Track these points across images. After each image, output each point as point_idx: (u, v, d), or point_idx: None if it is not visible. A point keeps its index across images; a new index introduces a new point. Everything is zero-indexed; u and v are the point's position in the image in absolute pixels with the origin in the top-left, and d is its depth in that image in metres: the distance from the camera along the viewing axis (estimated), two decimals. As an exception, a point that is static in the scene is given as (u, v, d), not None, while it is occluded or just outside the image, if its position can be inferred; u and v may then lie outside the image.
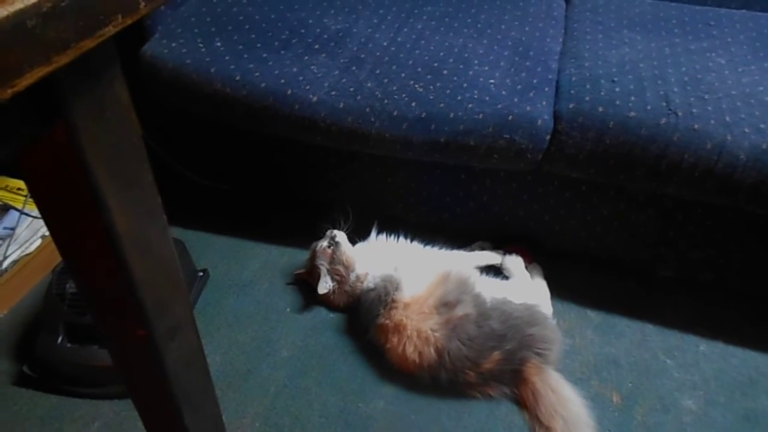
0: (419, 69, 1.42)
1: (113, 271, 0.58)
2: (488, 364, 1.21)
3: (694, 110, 1.23)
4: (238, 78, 1.38)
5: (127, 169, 0.54)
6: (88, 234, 0.56)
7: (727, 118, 1.21)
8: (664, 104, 1.24)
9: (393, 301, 1.30)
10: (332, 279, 1.42)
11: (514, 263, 1.47)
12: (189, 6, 1.57)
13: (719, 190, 1.22)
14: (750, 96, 1.27)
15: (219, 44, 1.45)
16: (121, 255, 0.56)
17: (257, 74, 1.38)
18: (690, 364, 1.33)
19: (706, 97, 1.26)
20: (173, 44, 1.43)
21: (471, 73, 1.40)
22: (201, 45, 1.44)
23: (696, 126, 1.20)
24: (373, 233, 1.52)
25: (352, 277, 1.42)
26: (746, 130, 1.18)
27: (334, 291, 1.42)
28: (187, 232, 1.63)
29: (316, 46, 1.48)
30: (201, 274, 1.48)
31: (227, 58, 1.41)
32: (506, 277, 1.46)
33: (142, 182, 0.57)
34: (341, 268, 1.41)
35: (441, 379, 1.23)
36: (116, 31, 0.35)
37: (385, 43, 1.51)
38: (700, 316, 1.43)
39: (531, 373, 1.21)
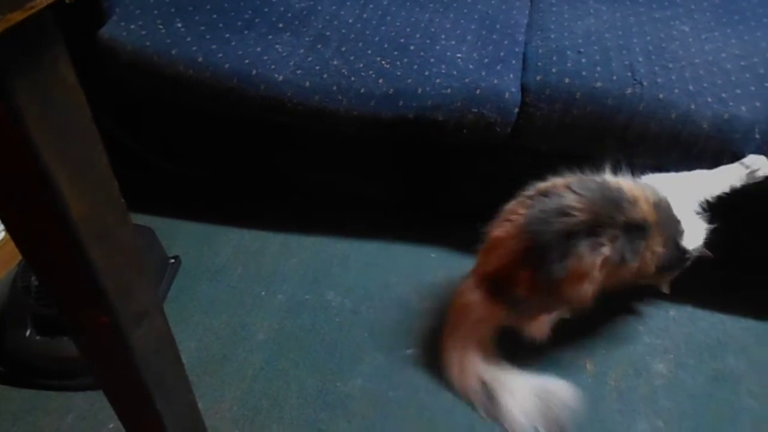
0: (386, 45, 1.41)
1: (71, 258, 0.57)
2: None
3: (659, 80, 1.24)
4: (200, 59, 1.34)
5: (79, 153, 0.52)
6: (42, 221, 0.54)
7: (691, 87, 1.22)
8: (630, 74, 1.25)
9: None
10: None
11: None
12: (147, -14, 1.52)
13: (684, 159, 1.24)
14: (712, 64, 1.28)
15: (180, 25, 1.41)
16: (78, 241, 0.55)
17: (220, 55, 1.35)
18: (660, 329, 1.36)
19: (670, 66, 1.27)
20: (132, 26, 1.39)
21: (438, 47, 1.39)
22: (161, 26, 1.40)
23: (661, 95, 1.21)
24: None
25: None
26: (709, 99, 1.20)
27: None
28: (156, 219, 1.60)
29: (280, 25, 1.46)
30: (172, 261, 1.46)
31: (189, 39, 1.38)
32: None
33: (96, 166, 0.56)
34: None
35: None
36: (48, 3, 0.34)
37: (350, 20, 1.49)
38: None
39: None
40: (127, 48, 1.36)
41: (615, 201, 1.06)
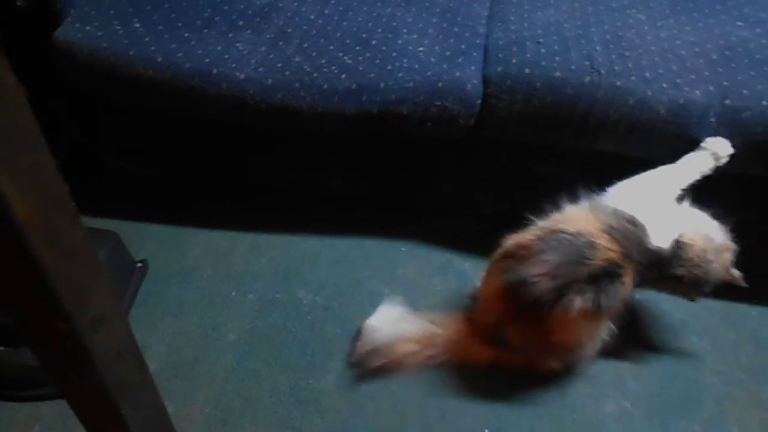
0: (348, 41, 1.41)
1: (19, 265, 0.56)
2: None
3: (616, 67, 1.26)
4: (160, 60, 1.33)
5: (22, 156, 0.51)
6: (-14, 227, 0.53)
7: (647, 74, 1.24)
8: (588, 63, 1.27)
9: None
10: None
11: None
12: (103, -13, 1.49)
13: (643, 145, 1.27)
14: (668, 51, 1.31)
15: (138, 25, 1.39)
16: (25, 247, 0.54)
17: (180, 55, 1.34)
18: (627, 313, 1.38)
19: (627, 54, 1.30)
20: (87, 27, 1.36)
21: (400, 42, 1.40)
22: (118, 27, 1.38)
23: (618, 83, 1.23)
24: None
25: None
26: (664, 85, 1.22)
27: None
28: (123, 224, 1.57)
29: (241, 23, 1.44)
30: (139, 265, 1.44)
31: (147, 39, 1.36)
32: None
33: (42, 169, 0.54)
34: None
35: None
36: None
37: (312, 17, 1.48)
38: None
39: None
40: (84, 50, 1.33)
41: (576, 254, 1.08)
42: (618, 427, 1.17)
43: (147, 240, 1.55)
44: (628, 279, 1.09)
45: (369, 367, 1.24)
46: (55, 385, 1.20)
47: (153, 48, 1.34)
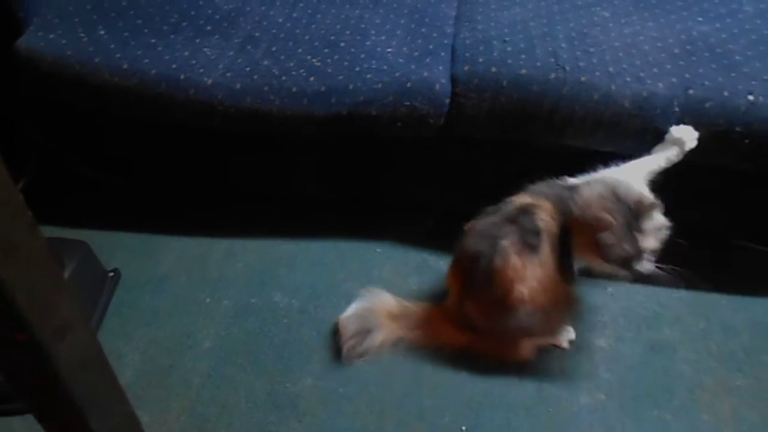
0: (316, 43, 1.41)
1: (-25, 276, 0.55)
2: None
3: (581, 63, 1.28)
4: (125, 66, 1.31)
5: (-28, 166, 0.51)
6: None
7: (611, 69, 1.26)
8: (553, 60, 1.28)
9: None
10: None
11: None
12: (66, -6, 1.48)
13: (610, 139, 1.28)
14: (631, 46, 1.33)
15: (102, 32, 1.38)
16: (-21, 257, 0.53)
17: (146, 61, 1.33)
18: (599, 306, 1.40)
19: (592, 50, 1.31)
20: (51, 35, 1.34)
21: (368, 43, 1.40)
22: (82, 34, 1.36)
23: (583, 78, 1.25)
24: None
25: None
26: (628, 79, 1.24)
27: None
28: (94, 233, 1.55)
29: (208, 28, 1.44)
30: (111, 274, 1.43)
31: (112, 46, 1.35)
32: None
33: (-5, 179, 0.54)
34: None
35: None
36: None
37: (280, 20, 1.48)
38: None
39: None
40: (47, 58, 1.31)
41: (497, 212, 1.20)
42: (593, 419, 1.19)
43: (119, 249, 1.53)
44: (544, 215, 1.14)
45: (360, 354, 1.27)
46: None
47: (118, 55, 1.33)
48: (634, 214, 1.08)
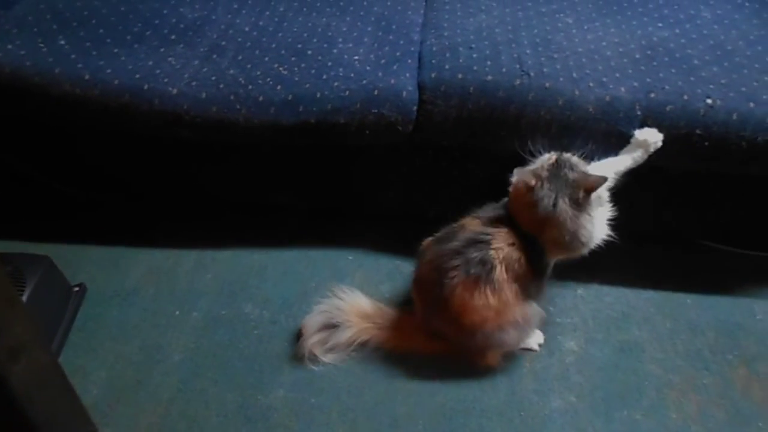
0: (283, 51, 1.40)
1: None
2: None
3: (545, 69, 1.29)
4: (87, 77, 1.29)
5: None
6: None
7: (575, 75, 1.28)
8: (518, 66, 1.30)
9: None
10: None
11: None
12: (24, 4, 1.45)
13: (576, 144, 1.30)
14: (594, 52, 1.35)
15: (63, 42, 1.36)
16: None
17: (109, 71, 1.31)
18: (569, 308, 1.41)
19: (556, 56, 1.33)
20: (9, 46, 1.32)
21: (335, 51, 1.40)
22: (42, 45, 1.34)
23: (547, 84, 1.26)
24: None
25: None
26: (591, 84, 1.26)
27: None
28: (58, 247, 1.52)
29: (173, 37, 1.42)
30: (76, 289, 1.40)
31: (73, 56, 1.32)
32: None
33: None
34: None
35: None
36: None
37: (246, 29, 1.47)
38: (576, 262, 1.52)
39: None
40: (5, 69, 1.28)
41: (447, 238, 1.22)
42: (564, 421, 1.20)
43: (85, 262, 1.50)
44: (499, 243, 1.16)
45: (326, 352, 1.28)
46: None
47: (80, 65, 1.31)
48: (573, 182, 1.13)
